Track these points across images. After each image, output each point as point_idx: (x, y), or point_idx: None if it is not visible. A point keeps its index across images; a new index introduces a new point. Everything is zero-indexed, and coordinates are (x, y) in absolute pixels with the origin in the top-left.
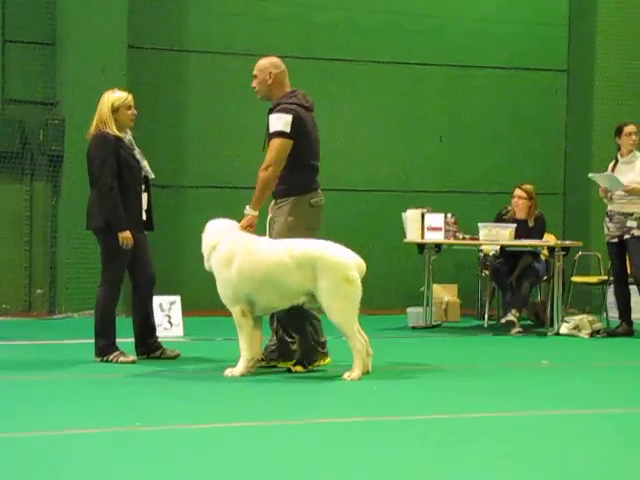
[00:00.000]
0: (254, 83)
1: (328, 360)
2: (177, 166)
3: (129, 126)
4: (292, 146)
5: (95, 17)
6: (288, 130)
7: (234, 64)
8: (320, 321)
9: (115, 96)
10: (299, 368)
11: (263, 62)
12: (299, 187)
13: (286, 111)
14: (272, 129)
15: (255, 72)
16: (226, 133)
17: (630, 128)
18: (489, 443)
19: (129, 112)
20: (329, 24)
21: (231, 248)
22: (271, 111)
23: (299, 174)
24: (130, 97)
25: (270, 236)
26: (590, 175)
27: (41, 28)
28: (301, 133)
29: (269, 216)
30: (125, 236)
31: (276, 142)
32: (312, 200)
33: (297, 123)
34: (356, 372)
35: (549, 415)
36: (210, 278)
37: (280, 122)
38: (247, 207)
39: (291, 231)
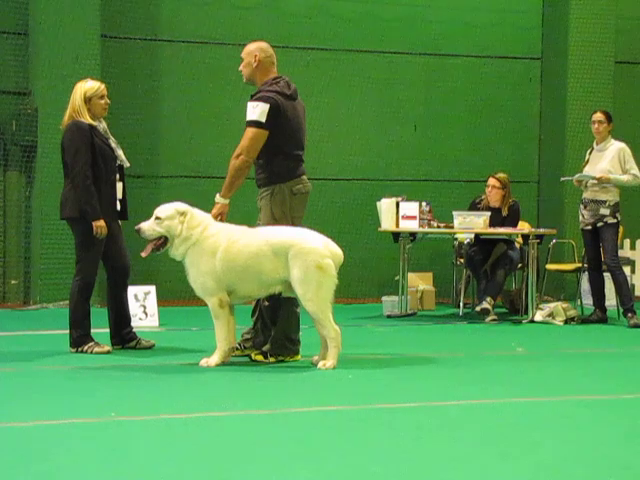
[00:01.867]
0: (241, 66)
1: (297, 357)
2: (151, 156)
3: (102, 115)
4: (270, 135)
5: (68, 7)
6: (263, 120)
7: (208, 53)
8: (299, 319)
9: (88, 86)
10: (259, 357)
11: (251, 46)
12: (279, 175)
13: (264, 100)
14: (248, 117)
15: (242, 55)
16: (200, 122)
17: (595, 116)
18: (465, 431)
19: (102, 102)
20: (303, 13)
21: (215, 239)
22: (252, 97)
23: (278, 162)
24: (103, 87)
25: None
26: (562, 179)
27: (13, 18)
28: (279, 122)
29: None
30: (99, 225)
31: (250, 131)
32: (294, 188)
33: (274, 112)
34: (331, 361)
35: (523, 402)
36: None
37: (256, 111)
38: (217, 195)
39: (275, 220)
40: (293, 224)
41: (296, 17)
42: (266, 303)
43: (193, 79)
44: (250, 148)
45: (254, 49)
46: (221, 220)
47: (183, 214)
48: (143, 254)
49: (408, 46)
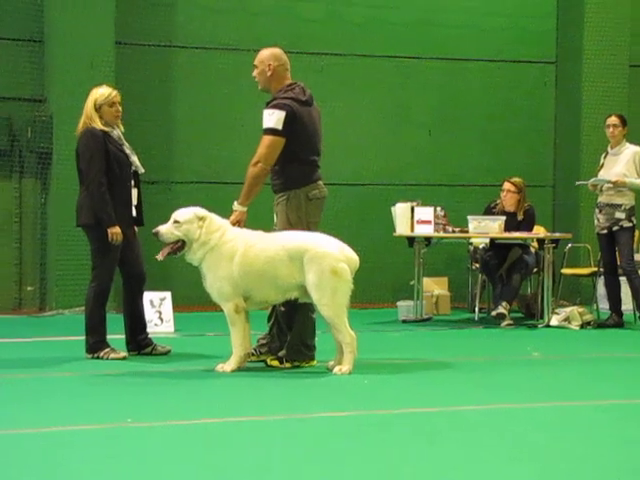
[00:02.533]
0: (254, 73)
1: (313, 363)
2: (166, 162)
3: (114, 123)
4: (286, 141)
5: (82, 14)
6: (280, 127)
7: (222, 59)
8: (314, 325)
9: (99, 93)
10: (275, 362)
11: (264, 53)
12: (294, 181)
13: (280, 107)
14: (264, 125)
15: (255, 62)
16: (215, 128)
17: (609, 120)
18: (481, 436)
19: (112, 109)
20: (316, 18)
21: (232, 244)
22: (267, 105)
23: (294, 168)
24: (114, 94)
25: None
26: (577, 183)
27: (29, 25)
28: (295, 128)
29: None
30: (115, 232)
31: (267, 139)
32: (310, 193)
33: (290, 119)
34: (347, 366)
35: (540, 407)
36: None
37: (273, 118)
38: (235, 203)
39: (291, 225)
40: (309, 229)
41: (310, 22)
42: (282, 308)
43: (207, 85)
44: (267, 155)
45: (267, 57)
46: (239, 227)
47: (202, 219)
48: (159, 257)
49: (422, 51)
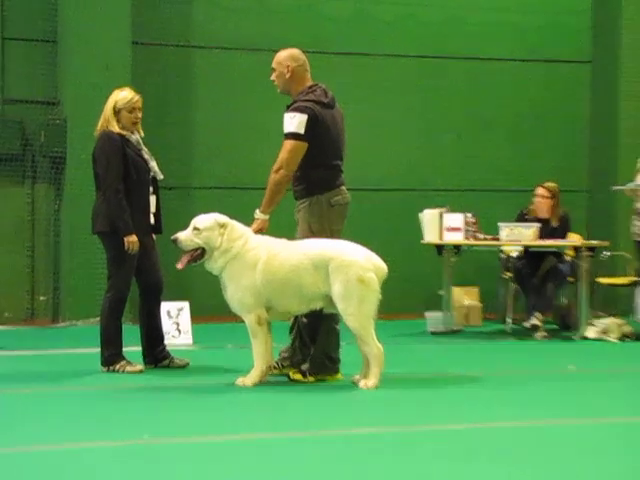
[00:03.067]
0: (272, 76)
1: (337, 376)
2: (184, 166)
3: (132, 129)
4: (308, 145)
5: (97, 13)
6: (302, 131)
7: (241, 59)
8: (338, 337)
9: (120, 96)
10: (298, 376)
11: (282, 55)
12: (316, 186)
13: (301, 110)
14: (286, 129)
15: (273, 65)
16: (236, 131)
17: None
18: (513, 454)
19: (130, 115)
20: (340, 17)
21: (255, 252)
22: (288, 108)
23: (316, 173)
24: (136, 99)
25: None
26: (614, 188)
27: (42, 25)
28: (318, 132)
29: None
30: (131, 240)
31: (289, 144)
32: (332, 199)
33: (313, 123)
34: (373, 380)
35: (577, 425)
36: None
37: (294, 122)
38: (257, 211)
39: (312, 233)
40: (332, 237)
41: (334, 21)
42: (305, 320)
43: (227, 86)
44: (290, 161)
45: (285, 59)
46: None
47: (223, 226)
48: (179, 266)
49: (451, 50)
